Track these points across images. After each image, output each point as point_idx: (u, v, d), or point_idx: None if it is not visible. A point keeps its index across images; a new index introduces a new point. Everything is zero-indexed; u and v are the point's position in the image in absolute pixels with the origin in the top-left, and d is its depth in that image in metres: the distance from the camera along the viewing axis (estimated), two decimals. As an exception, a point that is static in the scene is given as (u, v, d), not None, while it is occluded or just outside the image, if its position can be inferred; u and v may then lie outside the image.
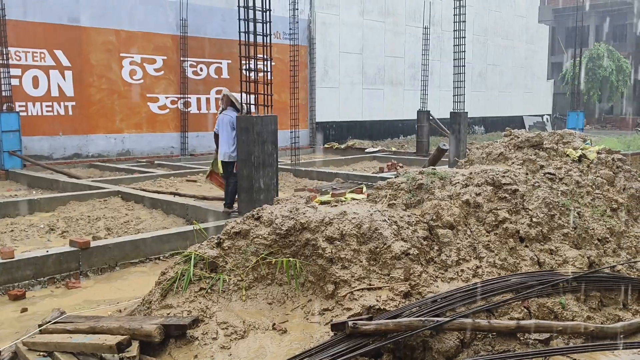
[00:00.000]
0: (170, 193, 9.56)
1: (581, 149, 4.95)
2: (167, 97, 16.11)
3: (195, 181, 11.48)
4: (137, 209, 8.43)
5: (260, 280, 3.60)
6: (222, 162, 8.19)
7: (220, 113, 8.41)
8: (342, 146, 19.16)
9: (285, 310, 3.43)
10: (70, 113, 14.24)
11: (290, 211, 3.80)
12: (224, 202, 7.97)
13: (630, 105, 40.34)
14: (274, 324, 3.31)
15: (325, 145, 19.76)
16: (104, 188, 9.54)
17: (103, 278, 5.68)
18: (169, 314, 3.44)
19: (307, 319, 3.35)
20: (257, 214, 3.83)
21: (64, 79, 14.05)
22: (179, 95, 16.27)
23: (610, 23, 41.39)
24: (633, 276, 4.03)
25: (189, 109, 16.52)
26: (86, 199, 8.84)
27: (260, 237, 3.67)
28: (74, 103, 14.26)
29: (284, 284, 3.58)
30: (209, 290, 3.52)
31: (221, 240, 3.78)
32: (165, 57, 15.95)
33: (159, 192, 9.57)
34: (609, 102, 39.46)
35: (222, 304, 3.46)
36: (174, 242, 6.29)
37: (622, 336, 3.43)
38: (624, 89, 37.18)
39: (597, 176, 4.68)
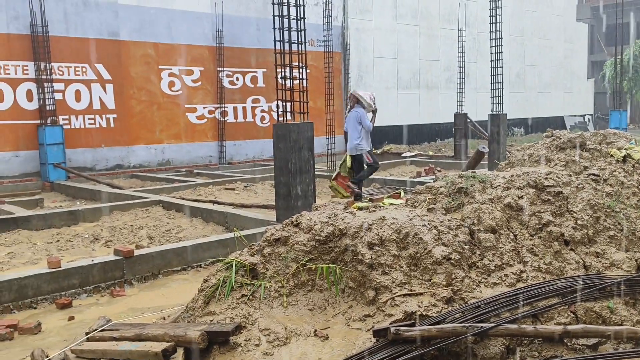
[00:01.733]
0: (210, 201, 9.71)
1: (625, 149, 4.81)
2: (204, 107, 16.39)
3: (233, 189, 11.62)
4: (177, 218, 8.59)
5: (301, 287, 3.61)
6: (350, 156, 8.98)
7: (348, 112, 9.27)
8: (379, 151, 19.08)
9: (326, 317, 3.43)
10: (112, 125, 14.63)
11: (329, 217, 3.80)
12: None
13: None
14: (316, 330, 3.32)
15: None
16: (146, 198, 9.75)
17: (147, 286, 5.80)
18: (212, 320, 3.48)
19: (349, 325, 3.34)
20: (296, 221, 3.85)
21: (105, 92, 14.46)
22: (216, 105, 16.53)
23: (653, 18, 40.12)
24: (686, 279, 3.89)
25: (225, 118, 16.76)
26: (128, 209, 9.06)
27: (299, 243, 3.69)
28: (115, 115, 14.65)
29: (324, 290, 3.58)
30: (250, 297, 3.55)
31: (261, 247, 3.81)
32: (202, 68, 16.24)
33: (198, 201, 9.73)
34: (653, 100, 38.19)
35: (264, 311, 3.48)
36: (215, 250, 6.38)
37: (675, 341, 3.30)
38: (668, 86, 35.91)
39: (645, 176, 4.54)
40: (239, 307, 3.51)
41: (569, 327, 3.16)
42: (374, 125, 9.26)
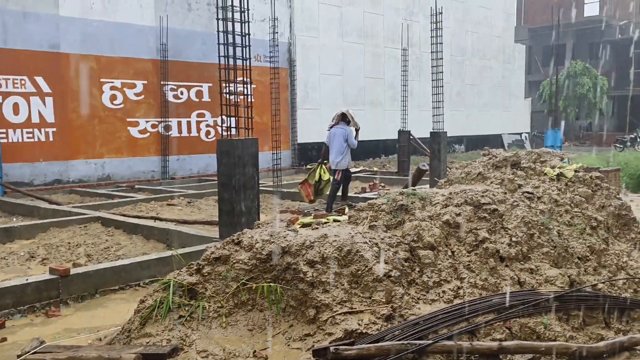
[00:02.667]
0: (151, 218, 9.47)
1: (559, 168, 5.01)
2: (147, 121, 16.05)
3: (176, 205, 11.39)
4: (117, 235, 8.33)
5: (241, 307, 3.55)
6: (333, 170, 9.78)
7: (330, 128, 10.08)
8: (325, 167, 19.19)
9: (266, 337, 3.39)
10: (51, 139, 14.11)
11: (271, 235, 3.77)
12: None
13: (608, 121, 41.14)
14: (255, 351, 3.27)
15: (308, 166, 19.79)
16: (84, 214, 9.42)
17: (83, 306, 5.58)
18: (148, 342, 3.38)
19: (289, 345, 3.30)
20: (237, 239, 3.79)
21: (45, 105, 13.95)
22: (159, 119, 16.22)
23: (587, 41, 42.39)
24: (614, 294, 4.06)
25: (169, 133, 16.47)
26: (66, 225, 8.72)
27: (240, 262, 3.63)
28: (54, 129, 14.14)
29: (265, 310, 3.53)
30: (188, 318, 3.46)
31: (201, 266, 3.73)
32: (145, 82, 15.93)
33: (139, 217, 9.48)
34: (587, 119, 40.21)
35: (202, 332, 3.40)
36: (154, 268, 6.21)
37: (605, 355, 3.43)
38: (602, 105, 37.91)
39: (576, 194, 4.73)
40: (177, 328, 3.41)
41: (504, 343, 3.24)
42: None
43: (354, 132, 10.15)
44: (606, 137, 37.70)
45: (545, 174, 4.94)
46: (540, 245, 4.18)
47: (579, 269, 4.11)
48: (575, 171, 4.95)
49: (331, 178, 10.21)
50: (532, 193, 4.62)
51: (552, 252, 4.16)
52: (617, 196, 4.93)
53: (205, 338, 3.36)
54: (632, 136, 30.08)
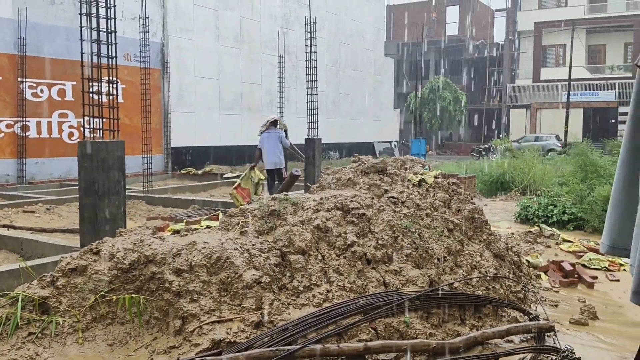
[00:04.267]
0: (3, 226, 8.63)
1: (421, 174, 5.30)
2: (1, 121, 14.65)
3: (33, 212, 10.48)
4: (-40, 246, 7.47)
5: (100, 321, 3.32)
6: (267, 170, 10.52)
7: (261, 133, 11.05)
8: (200, 172, 18.76)
9: (127, 352, 3.19)
10: None
11: (134, 243, 3.57)
12: None
13: (466, 132, 44.63)
14: (115, 367, 3.07)
15: (182, 171, 19.22)
16: None
17: None
18: (-9, 365, 3.04)
19: (152, 358, 3.14)
20: (96, 248, 3.55)
21: None
22: (15, 119, 14.88)
23: (448, 58, 45.69)
24: (469, 292, 4.35)
25: (27, 134, 15.16)
26: None
27: (99, 272, 3.40)
28: None
29: (126, 323, 3.33)
30: (39, 335, 3.17)
31: (55, 278, 3.44)
32: (0, 78, 14.54)
33: (-12, 226, 8.58)
34: (448, 129, 43.31)
35: (55, 349, 3.13)
36: (5, 282, 5.62)
37: (461, 350, 3.66)
38: (461, 117, 41.04)
39: (435, 199, 5.02)
40: (25, 346, 3.11)
41: (370, 344, 3.34)
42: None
43: (284, 134, 11.28)
44: (464, 147, 40.89)
45: (409, 180, 5.20)
46: (403, 248, 4.38)
47: (437, 269, 4.35)
48: (435, 177, 5.27)
49: (265, 179, 10.85)
50: (396, 198, 4.83)
51: (414, 253, 4.37)
52: (471, 201, 5.31)
53: (59, 356, 3.09)
54: (487, 146, 32.83)
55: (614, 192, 2.37)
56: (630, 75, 37.12)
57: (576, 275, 5.74)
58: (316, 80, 12.83)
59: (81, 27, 6.47)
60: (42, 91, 15.53)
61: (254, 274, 3.61)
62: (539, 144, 26.15)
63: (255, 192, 10.77)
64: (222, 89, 21.87)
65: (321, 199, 4.54)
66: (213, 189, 15.37)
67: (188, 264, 3.50)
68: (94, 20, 6.50)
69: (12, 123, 14.87)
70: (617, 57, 40.28)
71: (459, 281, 4.37)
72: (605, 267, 6.23)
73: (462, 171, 15.49)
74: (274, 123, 11.07)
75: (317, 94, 12.97)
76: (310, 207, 4.41)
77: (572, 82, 33.20)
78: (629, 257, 2.21)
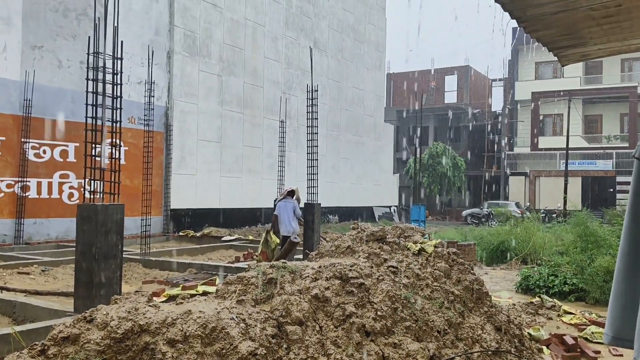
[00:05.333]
0: (-4, 288, 8.49)
1: (420, 243, 5.27)
2: (2, 181, 14.73)
3: (28, 273, 10.35)
4: (-49, 308, 7.33)
5: (89, 393, 3.21)
6: (284, 236, 11.06)
7: (278, 201, 12.02)
8: (198, 234, 18.67)
9: None
10: None
11: (129, 312, 3.50)
12: None
13: (465, 198, 44.80)
14: None
15: (180, 233, 19.13)
16: None
17: None
18: None
19: None
20: (90, 316, 3.48)
21: None
22: (16, 179, 14.96)
23: (447, 125, 46.51)
24: (470, 366, 4.23)
25: (27, 194, 15.20)
26: None
27: (92, 342, 3.31)
28: None
29: (116, 396, 3.22)
30: (25, 408, 3.05)
31: (46, 347, 3.35)
32: (3, 138, 14.75)
33: (-19, 287, 8.45)
34: (447, 195, 43.48)
35: None
36: (-6, 347, 5.49)
37: None
38: (460, 183, 41.32)
39: (435, 269, 4.97)
40: (10, 421, 2.99)
41: (368, 422, 3.21)
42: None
43: (297, 204, 11.94)
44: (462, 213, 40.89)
45: (409, 249, 5.16)
46: (403, 319, 4.29)
47: (438, 342, 4.25)
48: (435, 246, 5.23)
49: (280, 244, 11.22)
50: (396, 267, 4.78)
51: (414, 325, 4.28)
52: (472, 271, 5.25)
53: None
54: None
55: (615, 283, 2.32)
56: (627, 145, 37.70)
57: (579, 350, 5.61)
58: (317, 145, 13.00)
59: (87, 92, 6.64)
60: (44, 152, 15.70)
61: (249, 346, 3.52)
62: (502, 209, 29.91)
63: (272, 256, 11.08)
64: (224, 152, 22.12)
65: (320, 267, 4.49)
66: (211, 252, 15.24)
67: (182, 334, 3.42)
68: (100, 85, 6.67)
69: (13, 183, 14.95)
70: (614, 127, 41.06)
71: (459, 355, 4.26)
72: (609, 341, 6.08)
73: (462, 238, 15.42)
74: (290, 193, 11.77)
75: (317, 159, 13.11)
76: (308, 276, 4.36)
77: (569, 151, 33.68)
78: (632, 348, 2.16)
